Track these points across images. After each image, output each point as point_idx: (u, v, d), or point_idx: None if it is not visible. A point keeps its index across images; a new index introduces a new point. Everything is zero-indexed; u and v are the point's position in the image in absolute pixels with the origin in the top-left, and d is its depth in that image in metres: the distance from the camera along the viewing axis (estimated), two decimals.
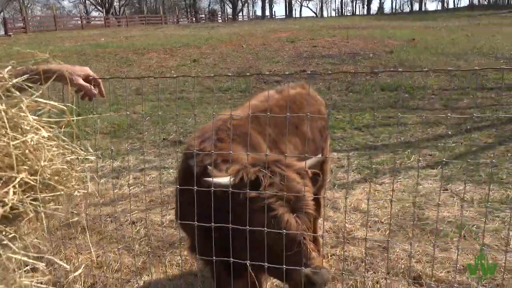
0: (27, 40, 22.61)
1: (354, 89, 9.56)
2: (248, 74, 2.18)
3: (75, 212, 4.32)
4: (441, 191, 4.61)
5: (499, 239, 3.58)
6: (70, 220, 4.10)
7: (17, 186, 0.96)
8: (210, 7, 66.64)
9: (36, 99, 1.11)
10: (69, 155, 1.15)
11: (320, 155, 2.22)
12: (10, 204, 0.93)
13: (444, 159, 5.55)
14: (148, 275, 3.37)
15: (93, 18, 44.99)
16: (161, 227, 4.08)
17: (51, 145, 1.09)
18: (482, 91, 8.72)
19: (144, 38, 20.88)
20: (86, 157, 1.23)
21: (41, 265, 1.01)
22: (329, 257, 3.52)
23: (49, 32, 28.20)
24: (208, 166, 2.06)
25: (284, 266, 1.84)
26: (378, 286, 3.02)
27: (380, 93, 9.10)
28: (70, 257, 3.59)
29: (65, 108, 1.15)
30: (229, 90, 10.19)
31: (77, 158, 1.18)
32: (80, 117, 1.26)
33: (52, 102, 1.13)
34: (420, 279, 3.05)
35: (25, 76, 1.17)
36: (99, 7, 56.37)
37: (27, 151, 0.99)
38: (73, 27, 34.19)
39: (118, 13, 55.81)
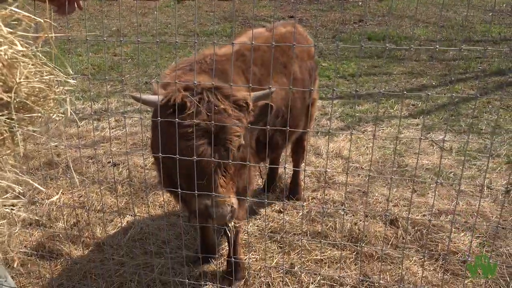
0: None
1: (341, 37, 9.38)
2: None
3: (54, 141, 4.27)
4: (422, 140, 4.69)
5: (475, 185, 3.70)
6: (51, 153, 4.06)
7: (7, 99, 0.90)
8: None
9: (12, 8, 1.02)
10: (47, 74, 1.07)
11: (271, 88, 2.14)
12: None
13: (426, 108, 5.60)
14: (131, 215, 3.40)
15: None
16: (143, 169, 4.06)
17: (27, 61, 1.02)
18: (469, 43, 8.67)
19: None
20: (66, 79, 1.15)
21: (17, 188, 0.98)
22: (310, 200, 3.60)
23: None
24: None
25: (193, 192, 1.85)
26: (356, 227, 3.12)
27: (366, 42, 8.96)
28: (52, 196, 3.57)
29: (42, 21, 1.05)
30: (213, 34, 9.88)
31: (56, 79, 1.10)
32: (59, 35, 1.15)
33: (28, 14, 1.04)
34: (397, 222, 3.16)
35: None
36: None
37: (0, 65, 0.93)
38: None
39: None
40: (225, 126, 1.88)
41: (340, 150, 4.40)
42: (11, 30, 1.01)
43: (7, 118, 0.95)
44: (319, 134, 4.83)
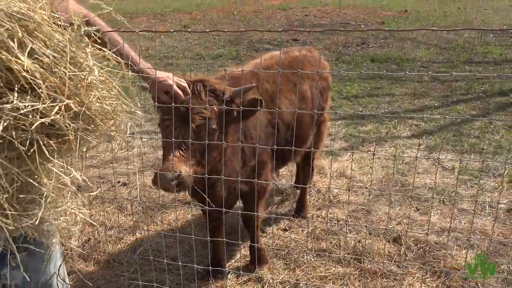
0: None
1: (344, 60, 9.59)
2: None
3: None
4: (425, 160, 4.79)
5: (472, 202, 3.77)
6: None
7: (63, 108, 1.14)
8: None
9: (101, 48, 1.35)
10: (114, 101, 1.35)
11: (252, 85, 2.44)
12: (52, 117, 1.12)
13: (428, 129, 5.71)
14: (141, 233, 3.50)
15: None
16: (152, 189, 4.18)
17: (102, 87, 1.29)
18: (470, 65, 8.83)
19: (135, 1, 20.33)
20: (133, 109, 1.47)
21: (81, 179, 1.38)
22: (315, 218, 3.68)
23: None
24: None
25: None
26: (360, 245, 3.20)
27: (369, 64, 9.15)
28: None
29: (122, 61, 1.42)
30: (220, 57, 10.13)
31: (122, 107, 1.40)
32: (131, 74, 1.58)
33: (112, 54, 1.37)
34: (400, 239, 3.23)
35: (95, 28, 1.41)
36: None
37: (79, 85, 1.19)
38: None
39: None
40: (193, 108, 2.16)
41: (344, 170, 4.50)
42: (95, 62, 1.31)
43: (78, 128, 1.24)
44: (323, 154, 4.94)
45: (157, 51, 10.47)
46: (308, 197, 3.91)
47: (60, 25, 1.27)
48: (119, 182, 4.38)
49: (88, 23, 1.76)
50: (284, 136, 2.97)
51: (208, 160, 2.14)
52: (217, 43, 11.59)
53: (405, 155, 4.89)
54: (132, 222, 3.70)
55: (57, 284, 1.83)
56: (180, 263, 2.19)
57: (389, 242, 3.24)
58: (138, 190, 4.14)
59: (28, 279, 1.57)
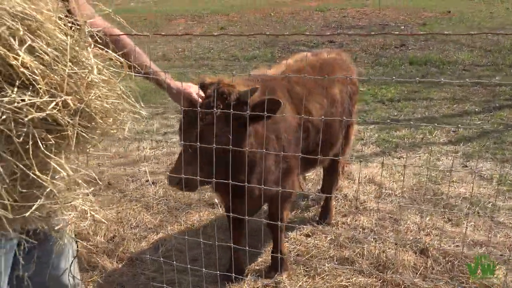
0: None
1: (381, 62, 9.35)
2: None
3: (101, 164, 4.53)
4: (460, 167, 4.57)
5: None
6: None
7: (60, 103, 1.18)
8: None
9: (107, 50, 1.40)
10: (116, 99, 1.39)
11: (257, 87, 2.33)
12: (47, 111, 1.16)
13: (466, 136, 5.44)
14: (164, 233, 3.54)
15: None
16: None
17: (103, 86, 1.33)
18: None
19: (174, 2, 20.78)
20: (136, 110, 1.49)
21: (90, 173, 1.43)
22: (339, 224, 3.59)
23: None
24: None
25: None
26: (385, 255, 3.08)
27: (408, 67, 8.87)
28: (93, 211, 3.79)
29: (124, 61, 1.43)
30: (254, 58, 10.15)
31: (124, 106, 1.43)
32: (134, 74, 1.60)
33: (114, 54, 1.40)
34: (427, 251, 3.09)
35: (100, 29, 1.45)
36: None
37: (79, 83, 1.23)
38: None
39: None
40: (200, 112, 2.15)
41: (373, 176, 4.36)
42: (97, 61, 1.34)
43: (78, 124, 1.27)
44: (353, 159, 4.82)
45: (193, 52, 10.63)
46: (334, 202, 3.82)
47: (69, 26, 1.30)
48: (147, 181, 4.46)
49: (115, 41, 1.88)
50: (314, 140, 2.93)
51: (219, 163, 2.11)
52: (253, 44, 11.62)
53: (440, 162, 4.69)
54: (157, 221, 3.75)
55: (68, 279, 1.88)
56: (203, 268, 2.18)
57: (415, 253, 3.10)
58: (163, 189, 4.19)
59: (39, 272, 1.62)
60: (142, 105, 1.52)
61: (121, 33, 1.97)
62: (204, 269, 2.36)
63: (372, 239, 3.27)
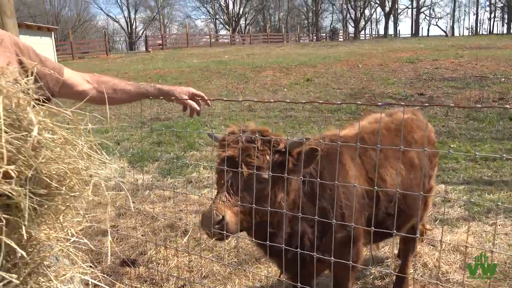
0: (162, 56, 25.47)
1: (476, 117, 8.73)
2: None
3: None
4: None
5: None
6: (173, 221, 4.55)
7: (12, 175, 1.08)
8: (332, 26, 66.75)
9: (48, 105, 1.25)
10: (72, 160, 1.24)
11: (307, 137, 2.27)
12: None
13: None
14: (232, 286, 3.56)
15: (221, 36, 48.78)
16: (250, 241, 4.26)
17: (54, 145, 1.20)
18: None
19: (264, 56, 21.88)
20: (106, 163, 1.35)
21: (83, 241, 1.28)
22: None
23: (182, 49, 31.32)
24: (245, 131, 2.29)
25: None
26: None
27: (507, 123, 8.16)
28: (168, 258, 3.97)
29: (69, 114, 1.25)
30: (338, 110, 10.14)
31: (86, 163, 1.29)
32: (92, 126, 1.35)
33: (58, 109, 1.24)
34: None
35: (31, 78, 1.28)
36: (227, 26, 61.27)
37: (22, 148, 1.11)
38: (203, 45, 37.50)
39: (243, 32, 59.51)
40: (244, 157, 2.11)
41: (459, 243, 3.98)
42: (45, 120, 1.20)
43: (32, 193, 1.15)
44: (436, 222, 4.47)
45: (278, 102, 10.95)
46: (411, 270, 3.54)
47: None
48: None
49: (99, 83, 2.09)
50: (385, 210, 2.72)
51: (258, 211, 2.10)
52: (338, 96, 11.65)
53: None
54: (226, 273, 3.80)
55: None
56: None
57: None
58: (235, 241, 4.26)
59: None
60: (107, 158, 1.36)
61: (109, 77, 2.16)
62: None
63: None
